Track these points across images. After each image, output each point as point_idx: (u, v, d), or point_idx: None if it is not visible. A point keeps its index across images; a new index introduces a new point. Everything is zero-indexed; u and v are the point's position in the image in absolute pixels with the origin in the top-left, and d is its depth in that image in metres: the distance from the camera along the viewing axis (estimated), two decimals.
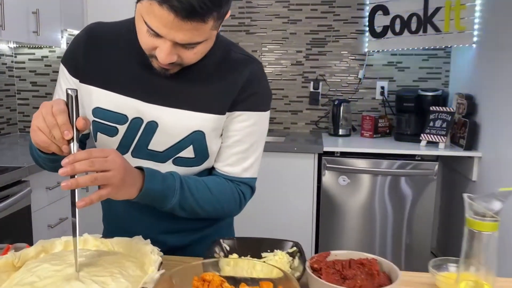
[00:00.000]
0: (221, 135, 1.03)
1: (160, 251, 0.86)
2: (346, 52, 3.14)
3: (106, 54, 0.99)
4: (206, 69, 0.99)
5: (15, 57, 2.94)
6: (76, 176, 0.78)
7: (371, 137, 2.91)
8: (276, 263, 0.89)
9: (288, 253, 0.91)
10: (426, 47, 2.88)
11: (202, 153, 1.01)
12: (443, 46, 2.86)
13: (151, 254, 0.84)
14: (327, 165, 2.58)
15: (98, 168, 0.79)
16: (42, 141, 0.82)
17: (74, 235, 0.81)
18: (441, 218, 2.64)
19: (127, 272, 0.78)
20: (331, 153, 2.59)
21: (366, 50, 3.08)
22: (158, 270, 0.77)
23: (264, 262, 0.89)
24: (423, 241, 2.57)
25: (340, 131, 2.97)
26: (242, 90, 0.99)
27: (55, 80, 2.99)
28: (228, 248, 0.92)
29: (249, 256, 0.91)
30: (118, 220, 1.11)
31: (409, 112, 2.81)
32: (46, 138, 0.82)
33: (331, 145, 2.63)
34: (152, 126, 0.98)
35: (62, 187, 0.78)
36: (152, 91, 0.97)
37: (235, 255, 0.91)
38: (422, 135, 2.64)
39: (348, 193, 2.61)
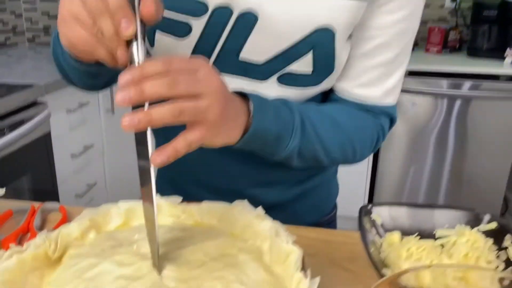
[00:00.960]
0: (350, 36, 0.64)
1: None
2: None
3: None
4: None
5: None
6: (146, 106, 0.41)
7: (439, 53, 2.47)
8: (468, 248, 0.54)
9: (483, 232, 0.56)
10: None
11: (325, 64, 0.63)
12: None
13: (277, 239, 0.49)
14: None
15: (184, 92, 0.43)
16: (80, 40, 0.46)
17: (146, 203, 0.46)
18: None
19: (247, 277, 0.44)
20: None
21: None
22: (303, 270, 0.43)
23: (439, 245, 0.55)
24: (497, 179, 2.24)
25: None
26: None
27: None
28: (380, 220, 0.58)
29: (416, 235, 0.57)
30: (185, 165, 0.75)
31: (490, 23, 2.33)
32: (86, 34, 0.45)
33: None
34: (248, 20, 0.60)
35: (123, 126, 0.41)
36: None
37: (396, 235, 0.56)
38: (508, 50, 2.20)
39: (415, 119, 2.23)
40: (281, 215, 0.72)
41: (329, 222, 0.85)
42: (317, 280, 0.42)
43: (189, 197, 0.66)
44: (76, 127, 1.79)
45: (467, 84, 2.15)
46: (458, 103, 2.19)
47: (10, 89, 1.46)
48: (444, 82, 2.17)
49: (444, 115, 2.22)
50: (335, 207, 0.87)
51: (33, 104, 1.51)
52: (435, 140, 2.26)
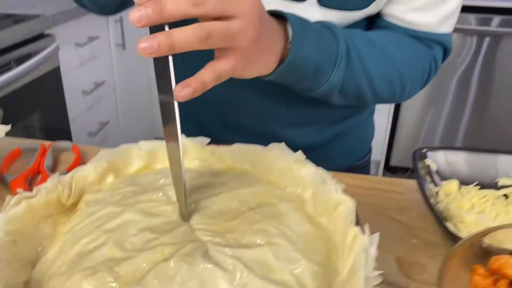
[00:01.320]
0: None
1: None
2: None
3: None
4: None
5: None
6: (166, 28, 0.33)
7: None
8: None
9: None
10: None
11: None
12: None
13: (323, 187, 0.42)
14: None
15: (212, 10, 0.35)
16: None
17: (170, 143, 0.39)
18: None
19: (291, 231, 0.38)
20: None
21: None
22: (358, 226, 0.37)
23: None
24: None
25: None
26: None
27: None
28: (435, 167, 0.51)
29: (476, 184, 0.50)
30: (210, 102, 0.68)
31: None
32: None
33: None
34: None
35: (140, 51, 0.34)
36: None
37: (453, 183, 0.49)
38: None
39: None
40: (312, 159, 0.65)
41: (362, 166, 0.78)
42: (377, 236, 0.35)
43: (215, 140, 0.59)
44: (86, 63, 1.70)
45: (497, 19, 1.99)
46: (487, 40, 2.05)
47: (15, 20, 1.36)
48: (473, 18, 2.02)
49: (472, 54, 2.08)
50: (369, 150, 0.80)
51: (40, 36, 1.42)
52: (458, 79, 2.14)
